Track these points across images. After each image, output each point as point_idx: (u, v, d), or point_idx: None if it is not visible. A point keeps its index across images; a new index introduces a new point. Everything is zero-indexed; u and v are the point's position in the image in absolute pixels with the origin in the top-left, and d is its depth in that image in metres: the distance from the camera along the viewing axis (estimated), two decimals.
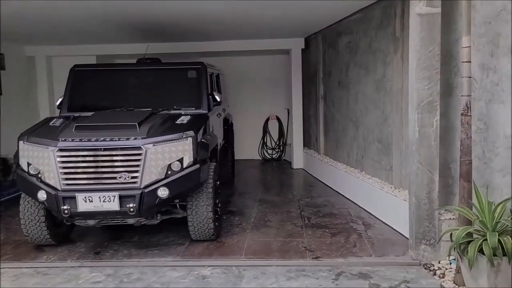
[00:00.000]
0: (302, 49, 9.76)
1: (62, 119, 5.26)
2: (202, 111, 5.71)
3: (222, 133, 7.50)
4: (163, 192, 4.56)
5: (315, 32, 8.89)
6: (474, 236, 3.70)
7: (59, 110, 5.89)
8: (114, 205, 4.45)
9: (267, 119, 11.26)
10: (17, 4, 5.40)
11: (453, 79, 4.53)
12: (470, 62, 3.99)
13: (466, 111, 4.10)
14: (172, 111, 5.63)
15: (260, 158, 11.28)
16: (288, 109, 10.73)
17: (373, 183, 6.25)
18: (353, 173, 7.05)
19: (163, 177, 4.58)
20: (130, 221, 4.80)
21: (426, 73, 4.39)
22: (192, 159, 4.72)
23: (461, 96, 4.12)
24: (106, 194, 4.43)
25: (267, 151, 11.29)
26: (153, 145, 4.56)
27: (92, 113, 5.37)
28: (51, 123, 5.12)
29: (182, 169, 4.67)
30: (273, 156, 11.27)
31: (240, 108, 11.20)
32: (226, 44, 9.62)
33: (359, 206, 6.62)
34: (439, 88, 4.41)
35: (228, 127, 8.19)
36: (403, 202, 5.21)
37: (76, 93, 5.89)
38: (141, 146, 4.54)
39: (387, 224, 5.70)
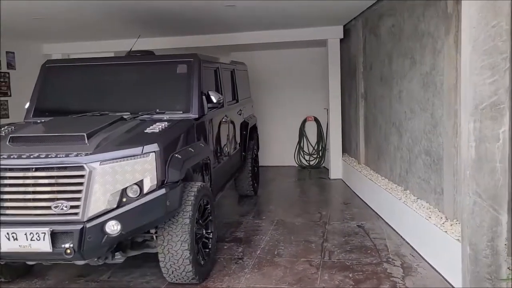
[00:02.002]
0: (340, 40, 8.30)
1: (14, 127, 4.23)
2: (191, 115, 4.50)
3: (236, 139, 6.27)
4: (113, 228, 3.38)
5: (355, 17, 7.42)
6: None
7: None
8: (45, 245, 3.32)
9: (304, 121, 9.87)
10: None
11: None
12: None
13: None
14: (155, 116, 4.48)
15: (297, 165, 9.92)
16: (327, 109, 9.28)
17: (419, 208, 4.76)
18: (395, 191, 5.56)
19: (114, 206, 3.41)
20: (79, 262, 3.66)
21: (487, 60, 2.90)
22: (156, 182, 3.51)
23: None
24: (35, 229, 3.32)
25: (304, 157, 9.91)
26: (100, 164, 3.39)
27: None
28: None
29: (141, 195, 3.48)
30: (311, 162, 9.87)
31: (273, 108, 9.94)
32: (253, 36, 8.37)
33: (400, 236, 5.13)
34: (508, 82, 2.90)
35: (248, 131, 6.92)
36: (456, 243, 3.73)
37: (46, 94, 4.89)
38: (84, 165, 3.39)
39: (434, 268, 4.21)
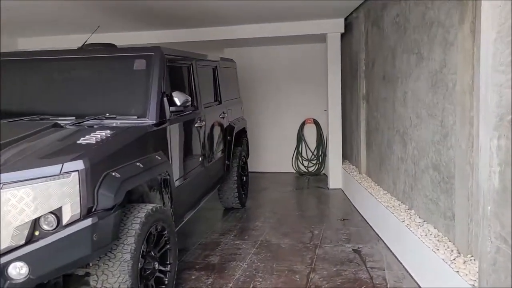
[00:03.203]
0: (341, 35, 7.45)
1: None
2: (148, 120, 3.71)
3: (216, 147, 5.49)
4: (19, 271, 2.60)
5: (357, 7, 6.58)
6: None
7: None
8: None
9: (303, 124, 9.04)
10: None
11: None
12: None
13: None
14: (106, 121, 3.70)
15: (294, 172, 9.09)
16: (327, 111, 8.45)
17: (425, 235, 3.92)
18: (397, 211, 4.72)
19: (21, 242, 2.63)
20: None
21: None
22: (79, 210, 2.73)
23: None
24: None
25: (302, 163, 9.08)
26: (3, 187, 2.61)
27: None
28: None
29: (60, 227, 2.69)
30: (309, 169, 9.03)
31: (269, 110, 9.15)
32: (246, 30, 7.57)
33: (403, 266, 4.30)
34: None
35: (233, 137, 6.12)
36: None
37: None
38: None
39: None
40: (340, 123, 7.62)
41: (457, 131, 3.48)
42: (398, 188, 5.06)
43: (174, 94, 3.97)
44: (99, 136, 3.15)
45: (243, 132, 6.96)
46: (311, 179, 8.57)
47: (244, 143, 7.05)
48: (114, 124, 3.62)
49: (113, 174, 2.94)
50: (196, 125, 4.68)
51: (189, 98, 4.10)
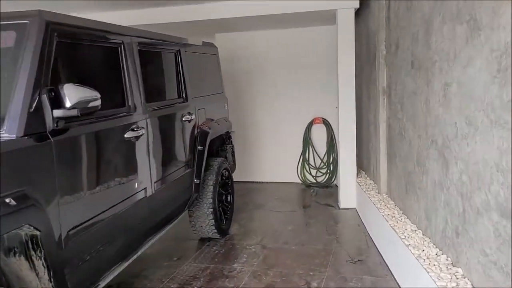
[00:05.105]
0: (356, 12, 5.77)
1: None
2: (5, 134, 2.17)
3: (173, 163, 3.93)
4: None
5: None
6: None
7: None
8: None
9: (310, 124, 7.40)
10: None
11: None
12: None
13: None
14: None
15: (300, 182, 7.47)
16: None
17: None
18: (435, 266, 3.08)
19: None
20: None
21: None
22: None
23: None
24: None
25: (309, 172, 7.44)
26: None
27: None
28: None
29: None
30: (318, 179, 7.39)
31: (269, 107, 7.55)
32: (241, 7, 5.98)
33: None
34: None
35: (206, 145, 4.53)
36: None
37: None
38: None
39: None
40: (354, 124, 5.94)
41: None
42: (435, 227, 3.40)
43: (64, 88, 2.40)
44: None
45: (226, 138, 5.39)
46: (320, 193, 6.94)
47: (228, 151, 5.49)
48: None
49: None
50: (127, 136, 3.12)
51: (97, 95, 2.54)
